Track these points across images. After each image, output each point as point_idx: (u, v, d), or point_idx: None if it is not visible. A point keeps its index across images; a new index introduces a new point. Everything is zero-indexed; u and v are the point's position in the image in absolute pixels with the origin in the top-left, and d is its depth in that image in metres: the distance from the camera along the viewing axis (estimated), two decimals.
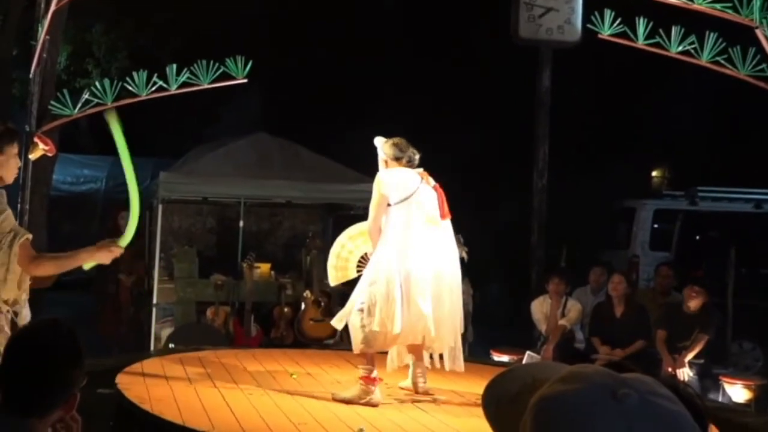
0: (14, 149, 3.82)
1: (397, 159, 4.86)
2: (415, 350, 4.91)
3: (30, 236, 3.74)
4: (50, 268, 3.84)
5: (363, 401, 4.54)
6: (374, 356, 4.68)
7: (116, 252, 3.96)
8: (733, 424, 4.65)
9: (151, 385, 4.59)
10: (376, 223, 4.80)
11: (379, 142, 4.98)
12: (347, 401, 4.55)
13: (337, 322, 4.86)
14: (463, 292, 7.11)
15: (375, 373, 4.64)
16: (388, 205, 4.74)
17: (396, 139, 4.94)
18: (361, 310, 4.62)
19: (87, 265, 3.92)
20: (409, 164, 4.86)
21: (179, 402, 4.25)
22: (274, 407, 4.34)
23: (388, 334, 4.61)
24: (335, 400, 4.59)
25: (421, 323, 4.65)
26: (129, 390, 4.38)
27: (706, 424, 1.00)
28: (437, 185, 4.89)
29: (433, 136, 13.44)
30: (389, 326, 4.57)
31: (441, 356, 4.94)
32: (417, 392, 4.92)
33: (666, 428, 0.91)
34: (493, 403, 1.08)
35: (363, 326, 4.61)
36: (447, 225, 4.88)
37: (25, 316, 5.49)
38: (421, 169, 4.88)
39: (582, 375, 0.96)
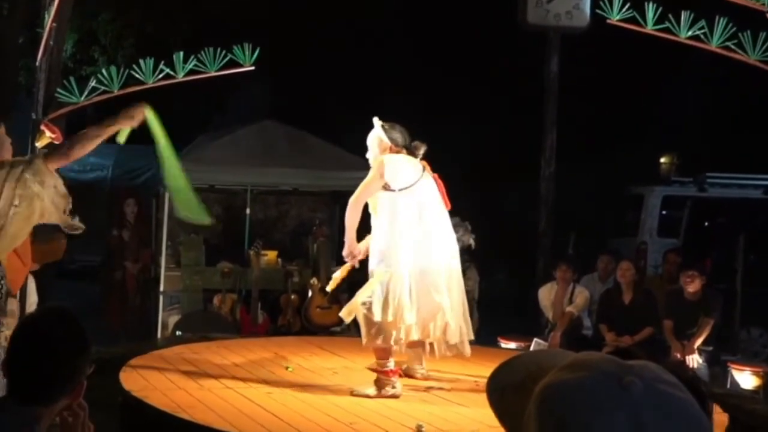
0: (2, 129, 3.98)
1: (400, 147, 4.74)
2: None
3: (44, 153, 3.85)
4: (82, 149, 3.92)
5: (389, 394, 4.47)
6: (389, 348, 4.58)
7: (140, 113, 3.96)
8: (742, 410, 4.63)
9: (168, 390, 4.39)
10: (358, 204, 4.65)
11: (379, 123, 4.82)
12: (369, 396, 4.45)
13: (345, 314, 4.72)
14: (470, 279, 7.17)
15: (392, 365, 4.57)
16: (390, 190, 4.60)
17: (399, 126, 4.82)
18: (371, 303, 4.48)
19: (122, 137, 3.98)
20: (412, 155, 4.75)
21: (213, 407, 4.08)
22: (308, 406, 4.24)
23: (402, 328, 4.52)
24: (356, 395, 4.47)
25: (438, 317, 4.61)
26: (149, 397, 4.17)
27: (708, 406, 0.99)
28: (436, 175, 4.81)
29: (441, 125, 13.43)
30: (402, 319, 4.48)
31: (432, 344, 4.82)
32: (415, 378, 4.88)
33: (672, 416, 0.91)
34: (498, 390, 1.07)
35: (375, 321, 4.48)
36: (447, 216, 4.83)
37: (33, 302, 5.52)
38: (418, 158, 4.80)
39: (587, 363, 0.95)
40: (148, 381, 4.57)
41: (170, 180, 4.29)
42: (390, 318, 4.48)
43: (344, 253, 4.84)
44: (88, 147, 3.93)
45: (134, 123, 4.02)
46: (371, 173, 4.69)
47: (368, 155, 4.90)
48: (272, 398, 4.35)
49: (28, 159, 3.88)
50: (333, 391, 4.57)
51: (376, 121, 4.83)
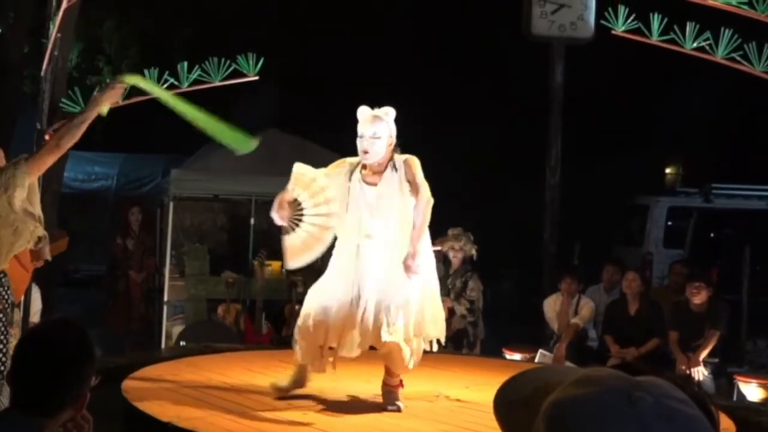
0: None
1: (394, 148, 4.50)
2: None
3: (24, 156, 3.83)
4: (70, 139, 3.91)
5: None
6: None
7: (120, 88, 3.97)
8: (748, 423, 4.60)
9: (209, 416, 4.05)
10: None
11: (393, 115, 4.47)
12: (401, 410, 4.38)
13: (394, 335, 4.21)
14: (473, 290, 7.17)
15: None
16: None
17: None
18: (421, 327, 4.31)
19: (104, 111, 3.99)
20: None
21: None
22: (366, 426, 4.12)
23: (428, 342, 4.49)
24: (391, 410, 4.36)
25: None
26: (198, 427, 3.81)
27: (716, 419, 0.97)
28: None
29: (445, 133, 13.45)
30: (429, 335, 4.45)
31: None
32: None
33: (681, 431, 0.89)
34: (505, 406, 1.06)
35: (420, 345, 4.34)
36: None
37: (36, 311, 5.51)
38: None
39: (595, 379, 0.94)
40: (179, 413, 4.07)
41: (199, 122, 4.23)
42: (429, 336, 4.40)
43: (414, 264, 4.14)
44: (77, 134, 3.91)
45: (116, 99, 4.04)
46: (420, 172, 4.27)
47: (372, 145, 4.35)
48: (312, 418, 4.13)
49: (14, 162, 3.88)
50: (364, 409, 4.42)
51: (392, 112, 4.45)
